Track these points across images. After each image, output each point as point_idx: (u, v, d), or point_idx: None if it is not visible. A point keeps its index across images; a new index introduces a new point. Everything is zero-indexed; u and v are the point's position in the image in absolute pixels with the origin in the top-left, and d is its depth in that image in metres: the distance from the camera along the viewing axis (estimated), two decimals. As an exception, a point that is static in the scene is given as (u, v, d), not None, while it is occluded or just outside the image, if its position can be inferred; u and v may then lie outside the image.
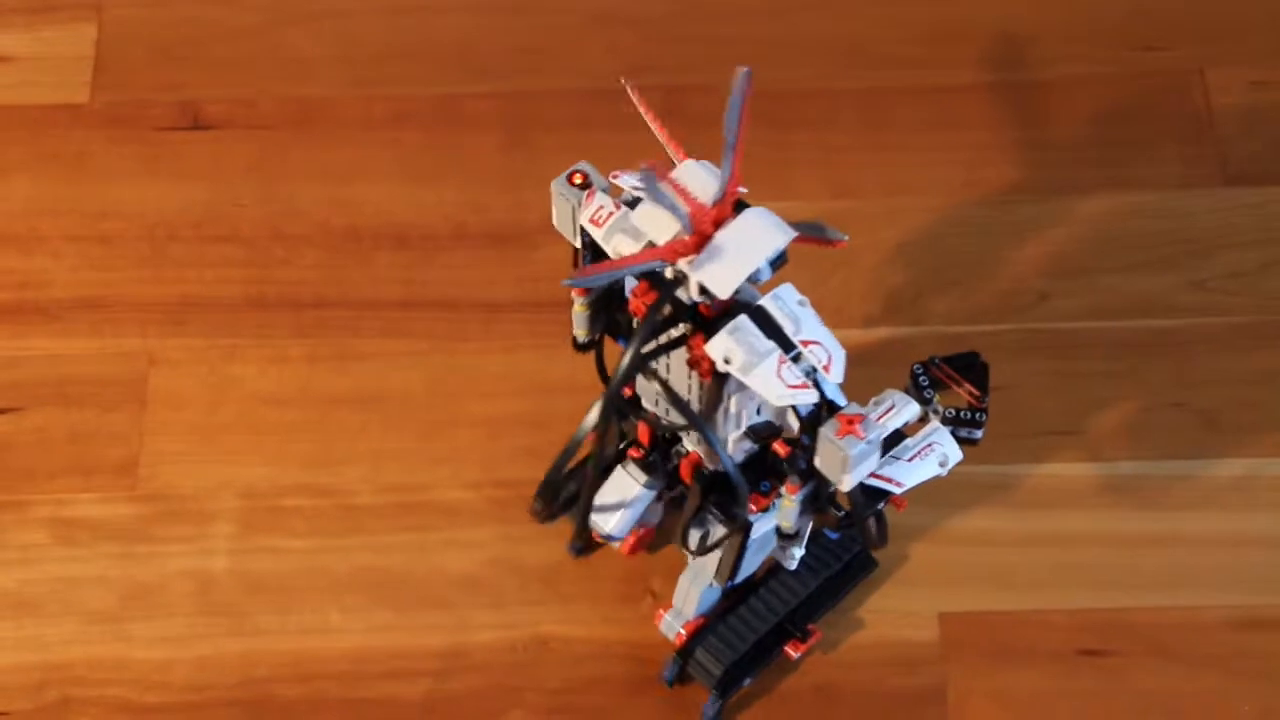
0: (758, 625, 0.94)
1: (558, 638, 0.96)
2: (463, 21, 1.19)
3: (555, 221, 0.84)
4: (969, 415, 0.84)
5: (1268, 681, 0.94)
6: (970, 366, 0.86)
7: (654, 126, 0.79)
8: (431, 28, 1.19)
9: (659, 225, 0.76)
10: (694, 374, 0.81)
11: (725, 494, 0.86)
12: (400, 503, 1.01)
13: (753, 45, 1.16)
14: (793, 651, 0.93)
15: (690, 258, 0.76)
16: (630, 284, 0.84)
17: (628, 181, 0.80)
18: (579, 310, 0.86)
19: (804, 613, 0.94)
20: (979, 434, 0.84)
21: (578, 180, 0.82)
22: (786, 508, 0.84)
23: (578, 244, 0.84)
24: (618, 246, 0.79)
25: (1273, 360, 1.03)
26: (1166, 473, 1.00)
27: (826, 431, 0.77)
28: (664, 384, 0.80)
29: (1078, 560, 0.98)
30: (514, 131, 1.14)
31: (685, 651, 0.93)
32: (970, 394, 0.85)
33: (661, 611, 0.94)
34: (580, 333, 0.87)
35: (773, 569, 0.94)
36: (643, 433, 0.88)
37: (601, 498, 0.90)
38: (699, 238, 0.75)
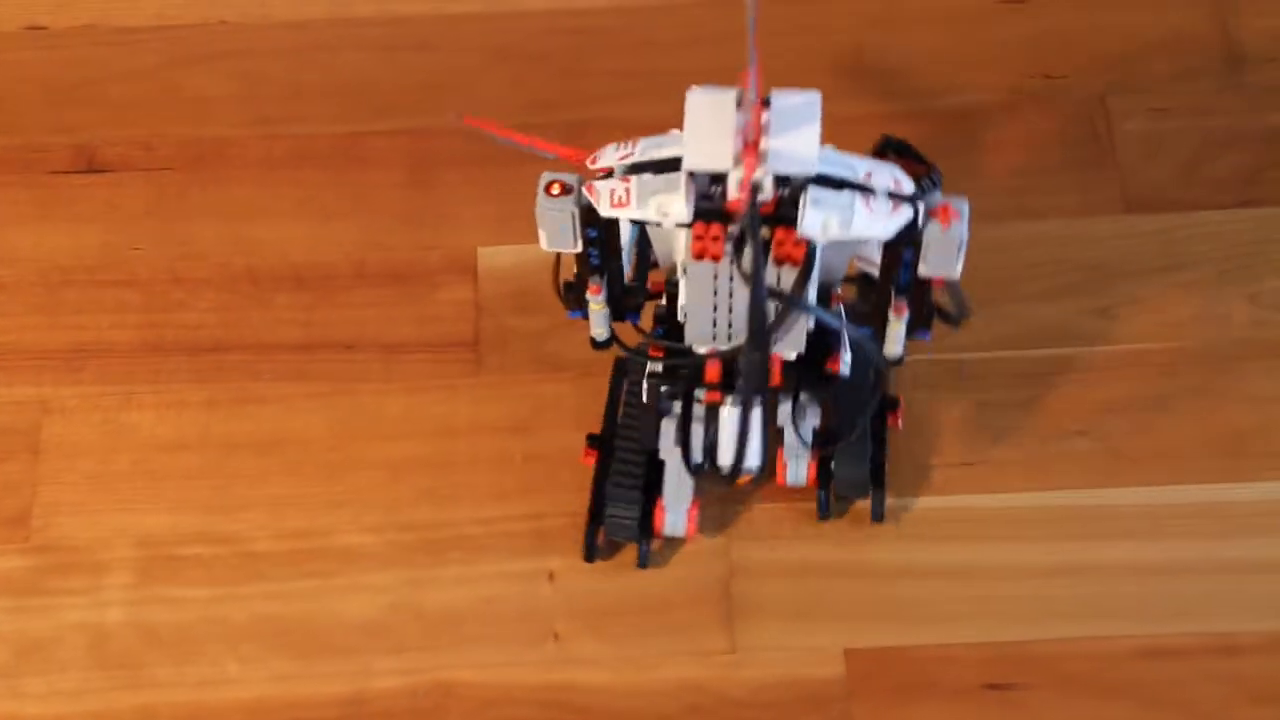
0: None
1: (462, 683, 0.95)
2: (364, 60, 1.18)
3: (546, 243, 0.85)
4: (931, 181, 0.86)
5: (1178, 710, 0.94)
6: (900, 149, 0.89)
7: (521, 144, 0.83)
8: (333, 66, 1.18)
9: (710, 152, 0.78)
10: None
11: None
12: (300, 549, 0.99)
13: (655, 79, 1.15)
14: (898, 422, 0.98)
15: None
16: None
17: (612, 155, 0.82)
18: (598, 309, 0.88)
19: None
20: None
21: (556, 190, 0.83)
22: (896, 330, 0.88)
23: (579, 248, 0.85)
24: (662, 206, 0.80)
25: (1175, 387, 1.03)
26: (1071, 502, 0.99)
27: (934, 231, 0.81)
28: (762, 284, 0.78)
29: (983, 593, 0.97)
30: (415, 170, 1.13)
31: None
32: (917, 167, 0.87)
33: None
34: (600, 332, 0.90)
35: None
36: (712, 371, 0.88)
37: (723, 439, 0.90)
38: (754, 144, 0.77)
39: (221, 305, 1.08)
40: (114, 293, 1.08)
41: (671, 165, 0.81)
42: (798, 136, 0.78)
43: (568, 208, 0.83)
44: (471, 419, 1.03)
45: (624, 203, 0.81)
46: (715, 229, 0.80)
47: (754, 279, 0.77)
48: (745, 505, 1.00)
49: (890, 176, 0.81)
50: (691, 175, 0.79)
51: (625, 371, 0.99)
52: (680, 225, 0.81)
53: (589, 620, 0.97)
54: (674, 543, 0.98)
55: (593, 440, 0.98)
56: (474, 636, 0.96)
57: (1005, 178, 1.12)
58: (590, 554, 0.97)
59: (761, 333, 0.79)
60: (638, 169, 0.81)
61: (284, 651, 0.96)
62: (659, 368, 0.90)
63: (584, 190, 0.83)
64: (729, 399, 0.90)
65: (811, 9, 1.19)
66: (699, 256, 0.81)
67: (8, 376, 1.05)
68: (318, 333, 1.06)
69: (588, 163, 0.83)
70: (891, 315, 0.88)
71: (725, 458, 0.92)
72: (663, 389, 0.92)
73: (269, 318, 1.07)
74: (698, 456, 0.92)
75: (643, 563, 0.97)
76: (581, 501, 0.98)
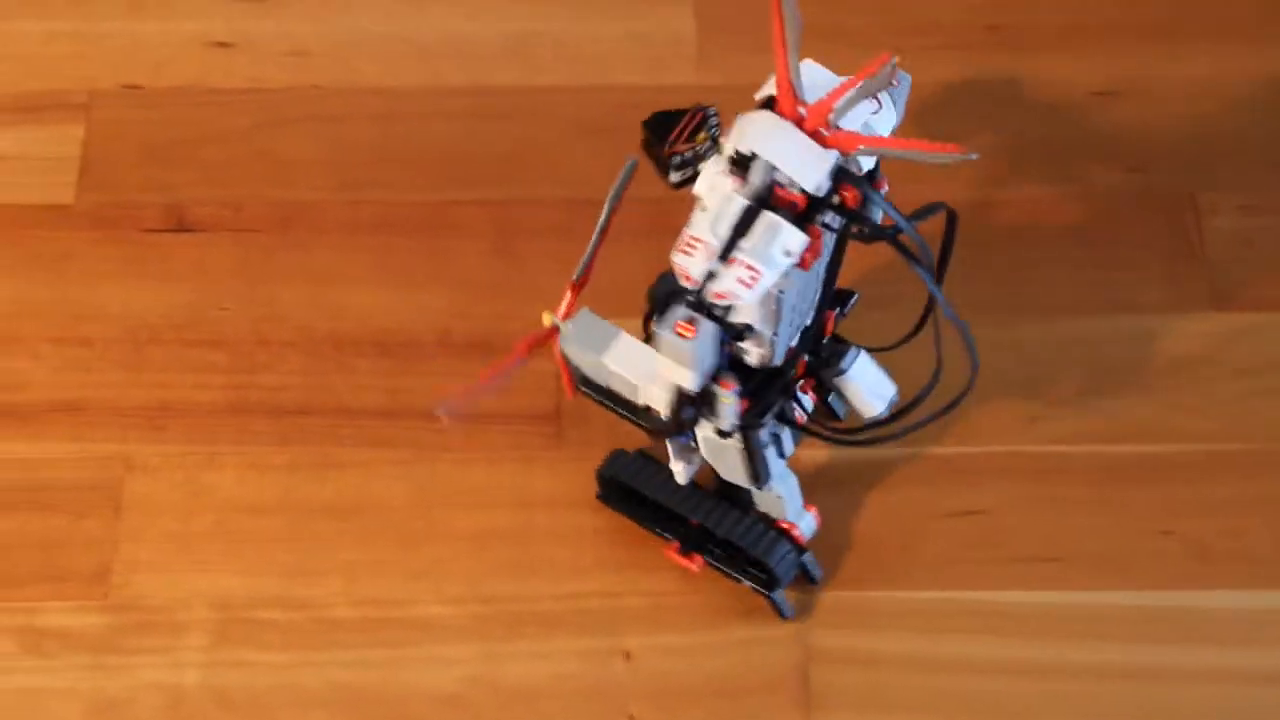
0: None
1: (535, 760, 0.95)
2: (451, 129, 1.19)
3: (695, 382, 0.86)
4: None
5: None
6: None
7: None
8: (419, 135, 1.19)
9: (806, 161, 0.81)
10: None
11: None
12: (377, 617, 0.99)
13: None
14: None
15: None
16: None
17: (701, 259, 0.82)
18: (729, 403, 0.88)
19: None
20: None
21: (687, 329, 0.83)
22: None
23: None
24: (785, 245, 0.80)
25: (1262, 489, 1.02)
26: (1154, 603, 0.98)
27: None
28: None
29: (1063, 690, 0.96)
30: (499, 239, 1.13)
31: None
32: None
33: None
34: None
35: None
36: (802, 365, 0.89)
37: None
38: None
39: (305, 369, 1.08)
40: (199, 352, 1.09)
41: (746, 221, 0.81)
42: (777, 144, 0.80)
43: (711, 333, 0.83)
44: (550, 492, 1.03)
45: (756, 277, 0.80)
46: (815, 230, 0.82)
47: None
48: (823, 591, 0.99)
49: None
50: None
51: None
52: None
53: (663, 701, 0.96)
54: (745, 622, 0.98)
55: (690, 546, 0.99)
56: (548, 714, 0.96)
57: (1092, 270, 1.11)
58: (785, 613, 0.98)
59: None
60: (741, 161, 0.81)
61: (358, 720, 0.96)
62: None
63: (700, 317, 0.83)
64: None
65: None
66: (814, 257, 0.82)
67: (93, 432, 1.05)
68: (400, 399, 1.07)
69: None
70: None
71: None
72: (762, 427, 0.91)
73: (352, 383, 1.07)
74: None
75: (787, 613, 0.98)
76: (658, 580, 0.98)
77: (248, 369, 1.08)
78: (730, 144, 0.82)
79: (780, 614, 0.98)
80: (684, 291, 0.82)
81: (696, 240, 0.81)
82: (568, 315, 0.88)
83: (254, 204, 1.15)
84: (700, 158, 0.84)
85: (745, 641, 0.98)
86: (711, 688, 0.96)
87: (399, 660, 0.98)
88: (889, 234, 0.83)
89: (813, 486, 1.02)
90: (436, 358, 1.08)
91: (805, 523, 0.98)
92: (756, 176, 0.81)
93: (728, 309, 0.83)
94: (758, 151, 0.81)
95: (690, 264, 0.81)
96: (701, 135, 0.85)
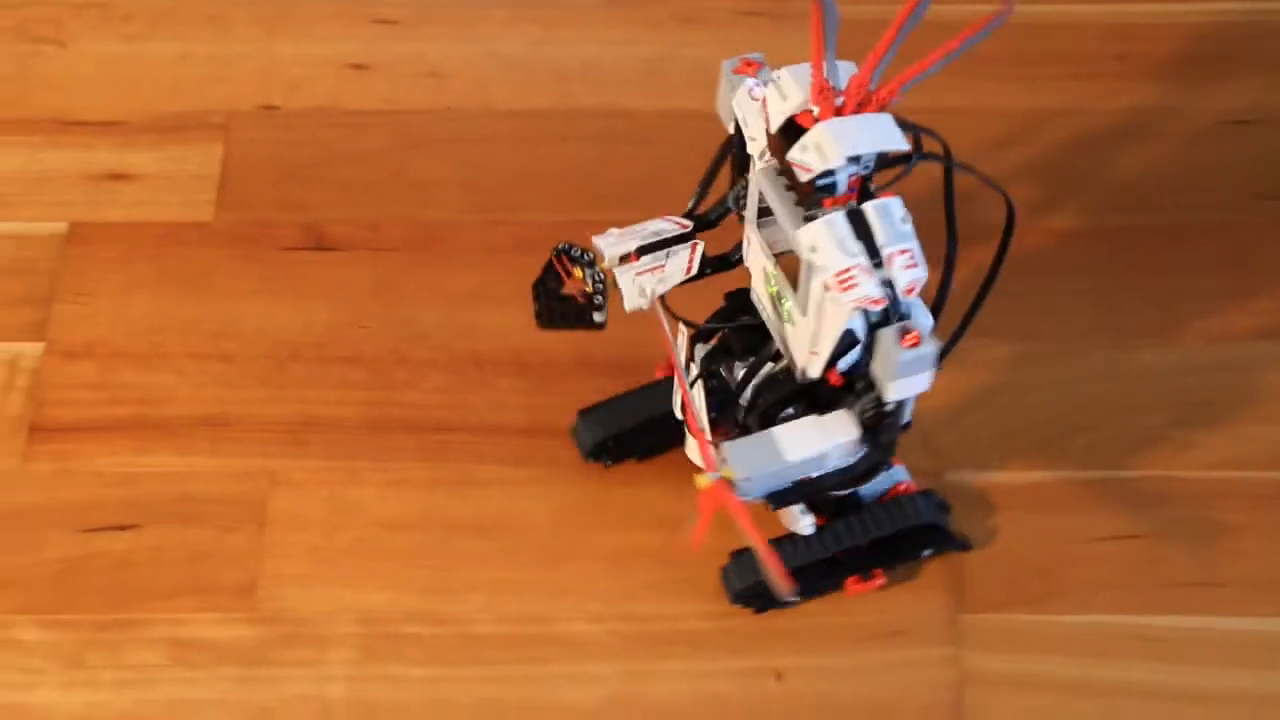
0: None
1: (683, 779, 0.94)
2: (584, 151, 1.19)
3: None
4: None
5: None
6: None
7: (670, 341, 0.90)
8: (553, 157, 1.19)
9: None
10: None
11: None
12: (521, 633, 0.99)
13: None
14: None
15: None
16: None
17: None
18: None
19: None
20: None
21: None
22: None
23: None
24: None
25: None
26: (1317, 629, 0.97)
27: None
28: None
29: (1223, 716, 0.94)
30: (637, 261, 1.13)
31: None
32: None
33: None
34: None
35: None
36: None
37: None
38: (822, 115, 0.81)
39: (445, 386, 1.08)
40: (340, 369, 1.09)
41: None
42: (841, 139, 0.80)
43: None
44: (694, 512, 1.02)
45: (913, 253, 0.82)
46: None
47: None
48: (976, 614, 0.98)
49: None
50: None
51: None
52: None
53: (814, 723, 0.95)
54: (896, 643, 0.97)
55: None
56: (696, 733, 0.95)
57: (1237, 297, 1.10)
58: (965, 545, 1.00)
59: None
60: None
61: (506, 736, 0.95)
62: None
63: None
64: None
65: (1032, 122, 1.20)
66: None
67: (237, 447, 1.05)
68: (540, 418, 1.06)
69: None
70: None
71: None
72: None
73: (492, 401, 1.07)
74: None
75: (967, 544, 1.00)
76: (810, 603, 0.98)
77: (388, 386, 1.08)
78: (806, 177, 0.82)
79: (964, 548, 0.99)
80: (845, 347, 0.85)
81: (846, 272, 0.82)
82: (710, 463, 0.88)
83: (391, 224, 1.16)
84: (598, 282, 0.90)
85: (897, 663, 0.97)
86: (864, 709, 0.95)
87: (543, 677, 0.97)
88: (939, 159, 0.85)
89: (962, 510, 1.02)
90: (575, 377, 1.08)
91: (897, 472, 0.98)
92: (842, 182, 0.82)
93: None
94: (826, 162, 0.81)
95: (864, 290, 0.81)
96: (578, 271, 0.90)
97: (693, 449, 0.99)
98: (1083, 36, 1.25)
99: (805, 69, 0.82)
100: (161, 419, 1.07)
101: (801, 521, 0.96)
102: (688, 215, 0.93)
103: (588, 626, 0.99)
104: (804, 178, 0.82)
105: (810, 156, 0.81)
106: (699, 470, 0.96)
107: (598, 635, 0.99)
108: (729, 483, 0.87)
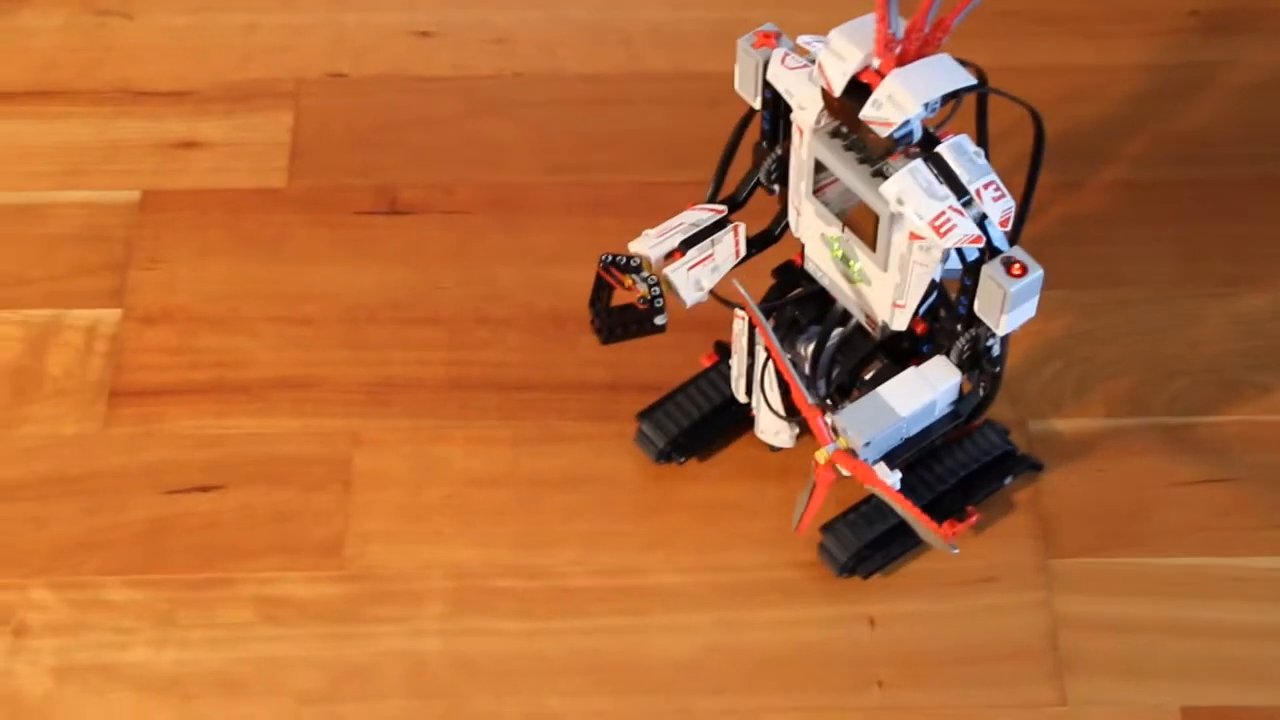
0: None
1: (783, 727, 0.93)
2: (657, 113, 1.19)
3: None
4: None
5: None
6: None
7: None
8: (626, 119, 1.19)
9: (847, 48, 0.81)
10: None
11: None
12: (614, 586, 0.98)
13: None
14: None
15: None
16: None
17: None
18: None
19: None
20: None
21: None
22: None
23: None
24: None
25: None
26: None
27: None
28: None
29: (1325, 654, 0.94)
30: (713, 219, 1.12)
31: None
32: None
33: None
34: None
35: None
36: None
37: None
38: (884, 68, 0.80)
39: (526, 345, 1.08)
40: (419, 330, 1.09)
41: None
42: (915, 86, 0.80)
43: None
44: (782, 463, 1.01)
45: (997, 185, 0.81)
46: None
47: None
48: (1067, 558, 0.98)
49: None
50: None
51: None
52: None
53: (911, 669, 0.95)
54: (987, 589, 0.97)
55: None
56: (795, 680, 0.94)
57: (1318, 243, 1.10)
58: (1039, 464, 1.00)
59: None
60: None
61: (603, 687, 0.94)
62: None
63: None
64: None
65: (1105, 79, 1.19)
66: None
67: (318, 408, 1.05)
68: (622, 374, 1.06)
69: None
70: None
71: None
72: None
73: (573, 358, 1.07)
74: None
75: (1039, 463, 1.00)
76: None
77: (468, 345, 1.08)
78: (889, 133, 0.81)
79: (1038, 468, 1.00)
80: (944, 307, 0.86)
81: (940, 216, 0.81)
82: (823, 436, 0.88)
83: (464, 187, 1.15)
84: (653, 285, 0.90)
85: (990, 608, 0.96)
86: (959, 655, 0.95)
87: (638, 628, 0.97)
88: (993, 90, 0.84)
89: (1047, 457, 1.01)
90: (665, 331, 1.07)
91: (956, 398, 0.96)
92: (917, 129, 0.82)
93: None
94: (906, 110, 0.80)
95: (963, 229, 0.81)
96: (629, 279, 0.90)
97: (767, 430, 0.99)
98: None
99: (856, 26, 0.82)
100: (241, 381, 1.06)
101: (891, 477, 0.96)
102: (713, 200, 0.92)
103: (680, 578, 0.98)
104: (884, 133, 0.81)
105: (888, 111, 0.80)
106: (773, 449, 0.97)
107: (690, 586, 0.98)
108: (850, 451, 0.87)
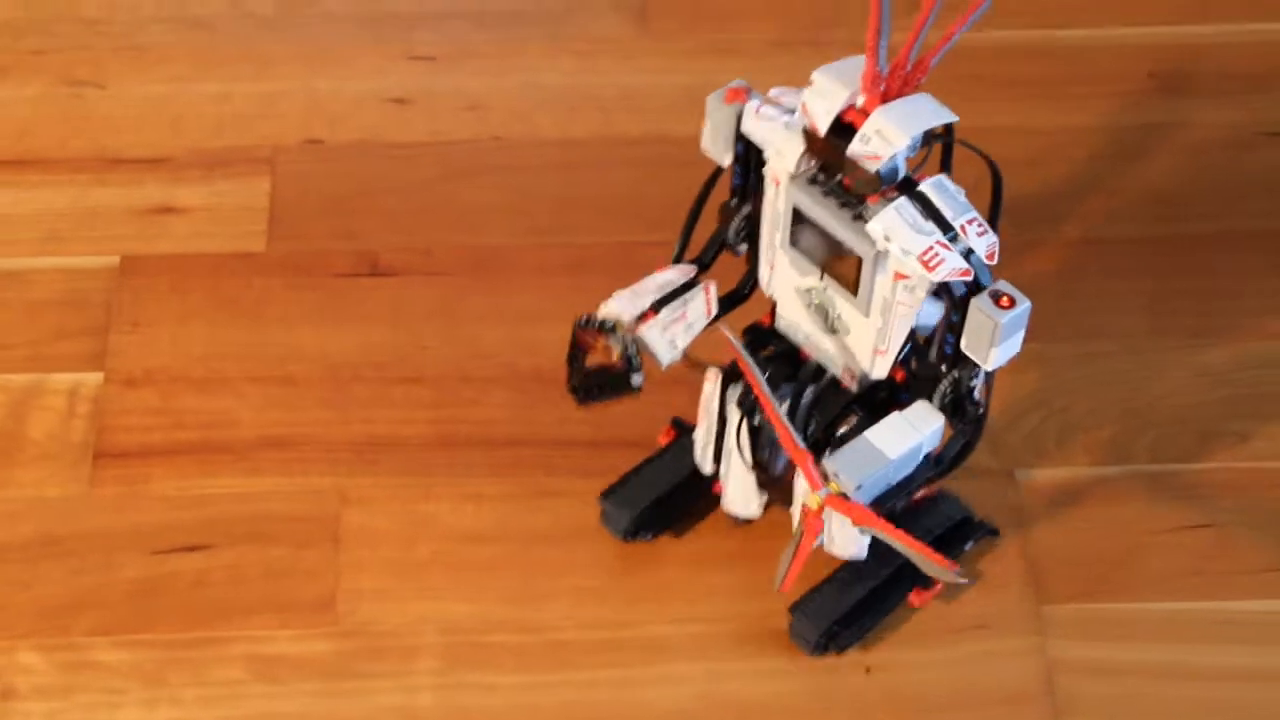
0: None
1: (779, 775, 0.93)
2: (631, 176, 1.20)
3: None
4: None
5: None
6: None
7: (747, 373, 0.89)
8: (601, 182, 1.20)
9: (830, 90, 0.83)
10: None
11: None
12: (604, 639, 0.98)
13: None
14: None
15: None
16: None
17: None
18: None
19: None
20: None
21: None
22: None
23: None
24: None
25: None
26: (1402, 603, 0.98)
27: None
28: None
29: (1317, 692, 0.95)
30: (692, 279, 1.14)
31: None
32: None
33: None
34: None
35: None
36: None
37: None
38: (867, 106, 0.82)
39: (511, 403, 1.08)
40: (403, 389, 1.09)
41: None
42: (902, 121, 0.81)
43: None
44: (768, 518, 1.02)
45: (978, 221, 0.82)
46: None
47: None
48: (1058, 605, 0.99)
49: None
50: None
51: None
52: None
53: (909, 715, 0.95)
54: (981, 636, 0.97)
55: None
56: (791, 728, 0.95)
57: (1273, 297, 1.12)
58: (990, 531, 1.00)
59: None
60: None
61: (599, 738, 0.94)
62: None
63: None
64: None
65: (1071, 138, 1.22)
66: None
67: (304, 467, 1.05)
68: (606, 431, 1.06)
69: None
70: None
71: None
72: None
73: (558, 415, 1.07)
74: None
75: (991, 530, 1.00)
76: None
77: (454, 404, 1.08)
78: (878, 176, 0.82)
79: (995, 534, 1.00)
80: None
81: (929, 250, 0.82)
82: (814, 481, 0.87)
83: (443, 250, 1.16)
84: (629, 346, 0.90)
85: (984, 654, 0.97)
86: (956, 700, 0.95)
87: (630, 680, 0.97)
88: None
89: (1034, 506, 1.02)
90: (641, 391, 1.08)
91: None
92: (902, 165, 0.82)
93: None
94: (895, 146, 0.81)
95: (950, 263, 0.82)
96: (602, 341, 0.91)
97: (736, 500, 0.98)
98: (1116, 57, 1.27)
99: (838, 67, 0.83)
100: (226, 442, 1.06)
101: (862, 541, 0.95)
102: (679, 260, 0.93)
103: (670, 629, 0.98)
104: (872, 167, 0.82)
105: (876, 144, 0.82)
106: (740, 521, 0.97)
107: (680, 637, 0.98)
108: (840, 498, 0.87)
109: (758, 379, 0.89)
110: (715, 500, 1.01)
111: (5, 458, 1.05)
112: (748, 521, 1.01)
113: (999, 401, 1.06)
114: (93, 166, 1.20)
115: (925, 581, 0.97)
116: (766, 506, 0.99)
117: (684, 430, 1.02)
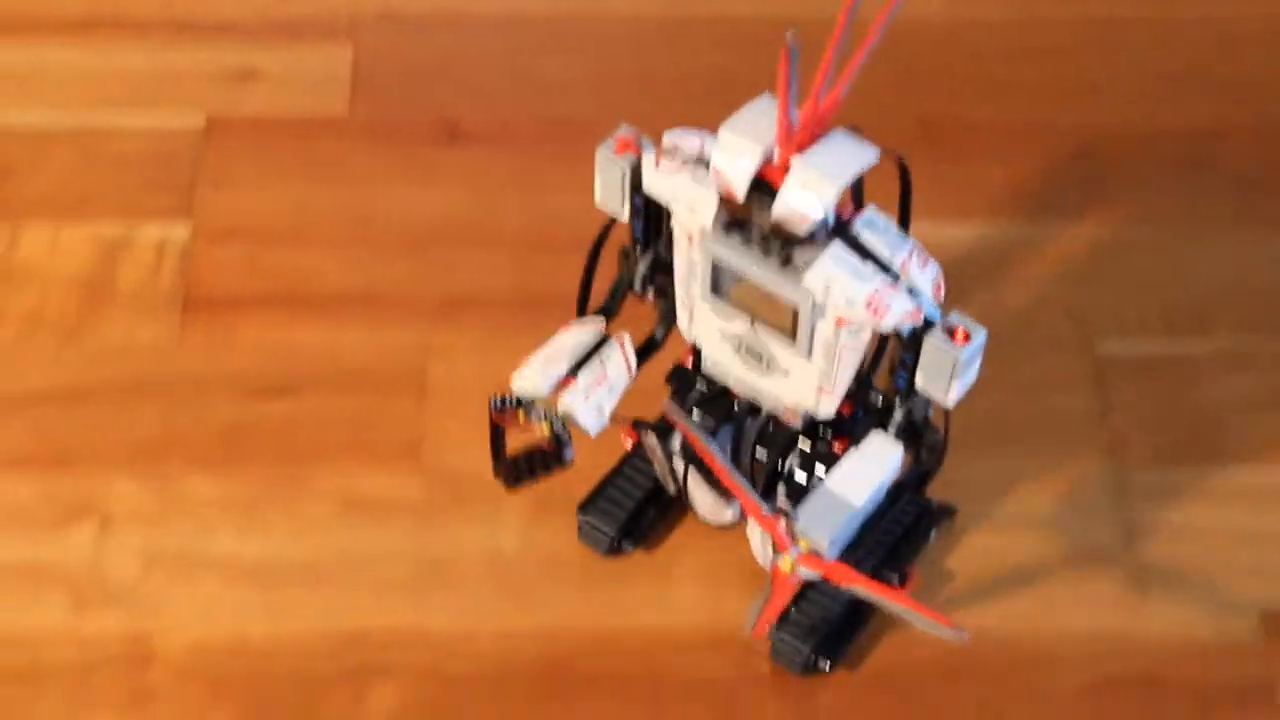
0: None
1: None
2: (706, 57, 1.22)
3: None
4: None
5: None
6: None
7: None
8: (677, 61, 1.22)
9: (739, 147, 0.77)
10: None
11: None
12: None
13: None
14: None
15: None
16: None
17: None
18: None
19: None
20: None
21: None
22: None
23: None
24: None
25: None
26: None
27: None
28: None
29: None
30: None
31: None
32: None
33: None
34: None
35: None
36: None
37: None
38: (783, 160, 0.76)
39: (590, 266, 1.09)
40: (483, 253, 1.11)
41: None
42: (827, 172, 0.75)
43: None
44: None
45: (923, 254, 0.78)
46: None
47: None
48: (1137, 469, 1.00)
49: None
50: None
51: None
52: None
53: (991, 573, 0.97)
54: (1063, 497, 0.99)
55: None
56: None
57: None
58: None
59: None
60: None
61: (684, 581, 0.96)
62: None
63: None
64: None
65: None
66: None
67: (388, 322, 1.07)
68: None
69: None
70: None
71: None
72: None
73: (637, 281, 1.09)
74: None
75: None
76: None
77: (532, 269, 1.10)
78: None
79: (953, 513, 0.97)
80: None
81: (874, 296, 0.77)
82: (783, 542, 0.82)
83: (522, 120, 1.18)
84: (554, 420, 0.85)
85: (1065, 515, 0.99)
86: (1037, 560, 0.97)
87: (712, 531, 0.98)
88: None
89: (1117, 377, 1.04)
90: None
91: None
92: (832, 215, 0.77)
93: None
94: (825, 201, 0.76)
95: (899, 306, 0.77)
96: (523, 417, 0.85)
97: (709, 516, 0.95)
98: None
99: (744, 119, 0.77)
100: (311, 295, 1.08)
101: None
102: (582, 314, 0.89)
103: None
104: (804, 228, 0.76)
105: (808, 202, 0.76)
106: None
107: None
108: (813, 557, 0.81)
109: (714, 454, 0.83)
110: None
111: (98, 305, 1.06)
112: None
113: (1081, 268, 1.08)
114: (168, 30, 1.21)
115: (900, 580, 0.93)
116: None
117: (646, 429, 0.93)
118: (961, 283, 1.06)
